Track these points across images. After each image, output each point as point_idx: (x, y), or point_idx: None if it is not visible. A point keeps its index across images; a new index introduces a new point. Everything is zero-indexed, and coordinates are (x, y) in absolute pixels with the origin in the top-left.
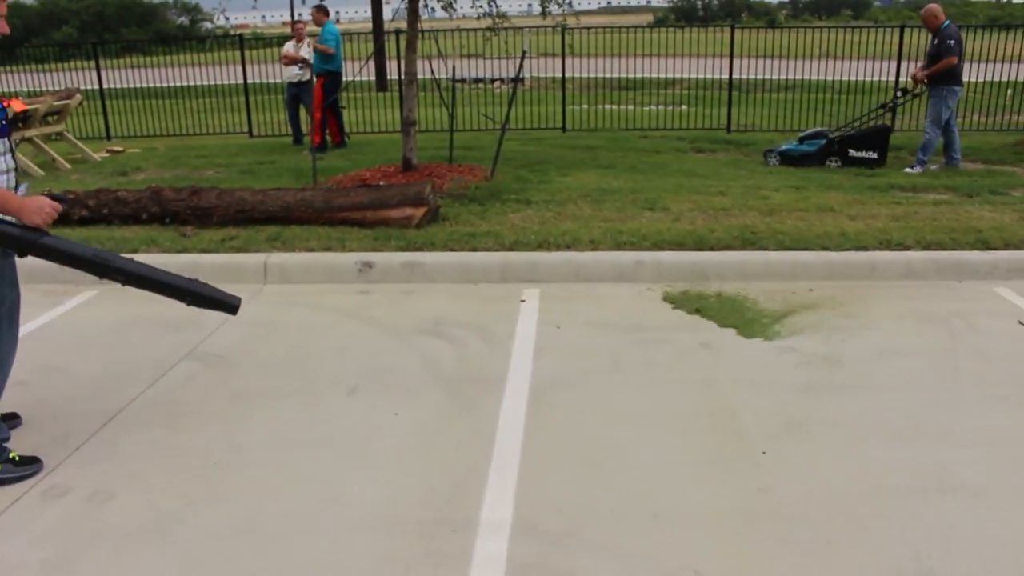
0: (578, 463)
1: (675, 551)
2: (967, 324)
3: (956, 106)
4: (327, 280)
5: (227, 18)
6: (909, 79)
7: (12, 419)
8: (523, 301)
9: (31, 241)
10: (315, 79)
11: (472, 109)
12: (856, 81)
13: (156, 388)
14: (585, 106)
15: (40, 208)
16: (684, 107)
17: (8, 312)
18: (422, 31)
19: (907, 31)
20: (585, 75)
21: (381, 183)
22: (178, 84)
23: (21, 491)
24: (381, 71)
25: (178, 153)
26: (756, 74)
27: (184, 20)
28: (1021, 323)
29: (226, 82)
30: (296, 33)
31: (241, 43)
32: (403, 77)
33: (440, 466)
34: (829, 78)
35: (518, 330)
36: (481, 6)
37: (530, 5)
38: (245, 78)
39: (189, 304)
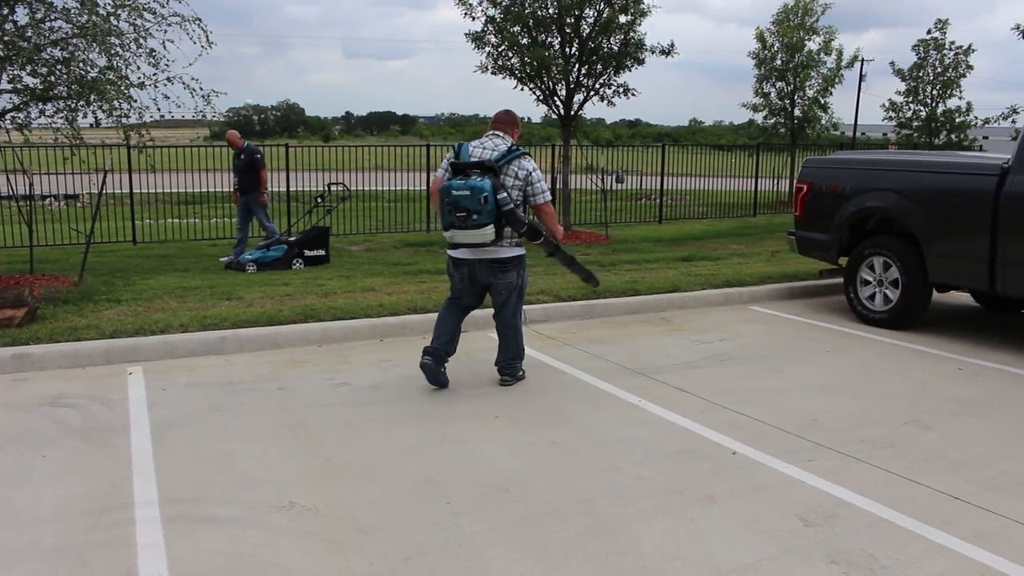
0: (198, 464)
1: (276, 496)
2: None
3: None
4: None
5: None
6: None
7: None
8: (130, 374)
9: (557, 247)
10: None
11: (40, 225)
12: (401, 190)
13: None
14: (150, 220)
15: (562, 233)
16: None
17: (521, 290)
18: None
19: (433, 148)
20: (148, 190)
21: None
22: None
23: None
24: None
25: None
26: (311, 185)
27: None
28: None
29: None
30: None
31: None
32: None
33: (92, 480)
34: (381, 188)
35: (130, 395)
36: (59, 127)
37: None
38: None
39: (584, 279)
